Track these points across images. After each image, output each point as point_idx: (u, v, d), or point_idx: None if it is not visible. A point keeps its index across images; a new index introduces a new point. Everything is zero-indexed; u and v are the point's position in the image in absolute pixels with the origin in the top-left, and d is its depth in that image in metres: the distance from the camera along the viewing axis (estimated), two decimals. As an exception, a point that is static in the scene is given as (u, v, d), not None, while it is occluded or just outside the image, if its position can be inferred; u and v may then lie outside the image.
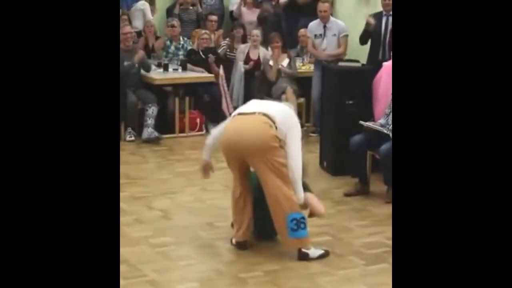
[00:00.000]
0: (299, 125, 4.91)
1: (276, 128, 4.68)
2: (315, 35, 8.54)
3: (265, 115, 4.73)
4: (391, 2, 8.05)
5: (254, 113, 4.80)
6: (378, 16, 8.22)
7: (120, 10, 10.43)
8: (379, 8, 8.35)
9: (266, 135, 4.66)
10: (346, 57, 8.34)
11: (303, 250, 4.80)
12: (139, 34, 9.78)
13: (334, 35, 8.44)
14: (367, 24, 8.18)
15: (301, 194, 4.79)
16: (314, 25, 8.59)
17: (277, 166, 4.66)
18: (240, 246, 4.96)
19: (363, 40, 8.35)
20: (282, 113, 4.82)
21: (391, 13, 8.02)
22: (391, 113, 6.26)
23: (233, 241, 5.00)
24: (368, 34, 8.22)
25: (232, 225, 5.21)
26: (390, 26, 7.91)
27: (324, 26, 8.47)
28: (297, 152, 4.76)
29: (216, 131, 5.05)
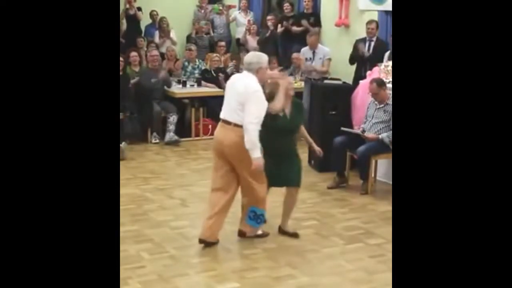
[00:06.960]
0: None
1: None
2: (306, 58, 8.67)
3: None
4: (374, 30, 8.11)
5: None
6: (362, 40, 8.26)
7: (147, 38, 10.46)
8: (357, 36, 8.41)
9: None
10: (330, 76, 8.37)
11: (248, 234, 4.80)
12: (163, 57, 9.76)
13: (320, 58, 8.67)
14: (356, 50, 8.21)
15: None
16: (305, 51, 8.82)
17: None
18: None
19: (351, 62, 8.42)
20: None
21: (373, 38, 8.10)
22: (367, 121, 6.29)
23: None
24: (354, 59, 8.30)
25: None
26: (371, 49, 8.12)
27: (313, 52, 8.66)
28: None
29: None
